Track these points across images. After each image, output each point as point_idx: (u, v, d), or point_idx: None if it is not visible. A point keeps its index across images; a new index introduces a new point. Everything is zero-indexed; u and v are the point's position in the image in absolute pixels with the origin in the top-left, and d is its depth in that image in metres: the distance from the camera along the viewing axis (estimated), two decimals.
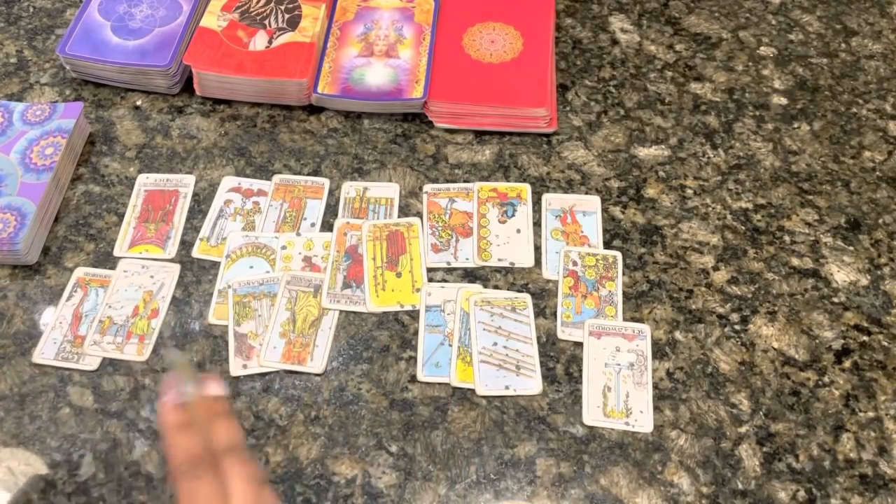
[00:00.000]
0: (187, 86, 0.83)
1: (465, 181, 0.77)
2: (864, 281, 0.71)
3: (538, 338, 0.67)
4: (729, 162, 0.79)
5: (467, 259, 0.72)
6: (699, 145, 0.80)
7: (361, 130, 0.81)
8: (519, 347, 0.66)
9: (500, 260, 0.72)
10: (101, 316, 0.68)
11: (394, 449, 0.62)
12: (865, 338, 0.68)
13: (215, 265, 0.71)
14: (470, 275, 0.71)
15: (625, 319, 0.68)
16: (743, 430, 0.63)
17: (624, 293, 0.70)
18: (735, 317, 0.69)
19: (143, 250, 0.72)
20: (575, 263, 0.71)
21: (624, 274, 0.71)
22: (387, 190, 0.76)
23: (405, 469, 0.61)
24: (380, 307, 0.68)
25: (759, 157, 0.79)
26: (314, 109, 0.82)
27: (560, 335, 0.67)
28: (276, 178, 0.76)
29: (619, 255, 0.71)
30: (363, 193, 0.75)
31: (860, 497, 0.60)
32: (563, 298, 0.69)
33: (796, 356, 0.67)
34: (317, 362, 0.65)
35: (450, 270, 0.71)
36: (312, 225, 0.73)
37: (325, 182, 0.76)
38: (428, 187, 0.76)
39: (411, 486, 0.60)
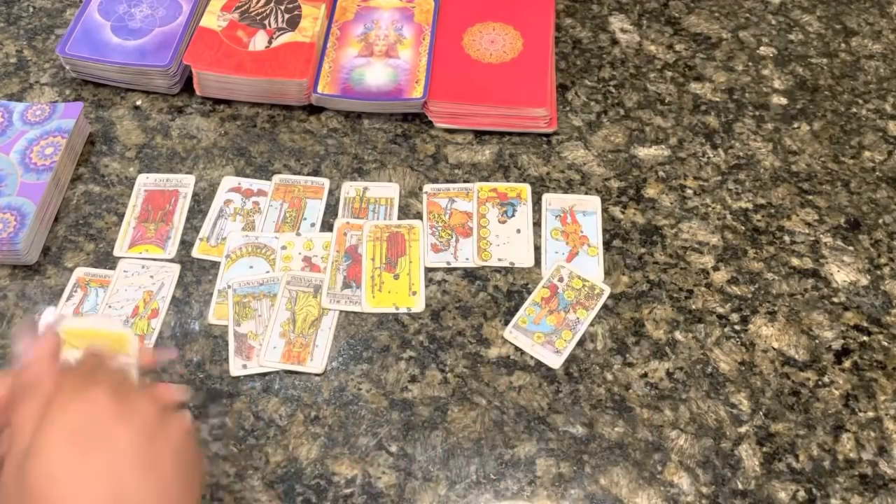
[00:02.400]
0: (187, 86, 0.83)
1: (464, 181, 0.77)
2: (864, 281, 0.71)
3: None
4: (729, 162, 0.79)
5: (467, 259, 0.72)
6: (699, 145, 0.80)
7: (361, 130, 0.81)
8: None
9: (500, 260, 0.72)
10: None
11: (394, 449, 0.62)
12: (865, 338, 0.68)
13: (215, 265, 0.71)
14: (470, 275, 0.71)
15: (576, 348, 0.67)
16: (743, 430, 0.63)
17: (623, 293, 0.70)
18: (735, 317, 0.69)
19: (143, 250, 0.72)
20: (561, 280, 0.70)
21: (624, 274, 0.71)
22: (387, 190, 0.76)
23: (405, 469, 0.61)
24: (375, 308, 0.68)
25: (758, 157, 0.79)
26: (314, 109, 0.82)
27: (506, 335, 0.67)
28: (276, 178, 0.76)
29: (608, 290, 0.69)
30: (363, 193, 0.75)
31: (860, 497, 0.60)
32: (530, 304, 0.69)
33: (796, 356, 0.67)
34: (316, 362, 0.65)
35: (450, 270, 0.71)
36: (312, 225, 0.73)
37: (325, 182, 0.76)
38: (428, 187, 0.76)
39: (411, 486, 0.60)
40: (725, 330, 0.68)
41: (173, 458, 0.42)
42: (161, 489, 0.41)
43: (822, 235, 0.74)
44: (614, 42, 0.89)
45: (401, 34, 0.85)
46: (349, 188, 0.76)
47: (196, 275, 0.71)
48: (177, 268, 0.71)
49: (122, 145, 0.79)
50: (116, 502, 0.40)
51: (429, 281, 0.70)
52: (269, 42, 0.82)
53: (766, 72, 0.86)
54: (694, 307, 0.69)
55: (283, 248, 0.72)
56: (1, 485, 0.41)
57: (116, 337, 0.54)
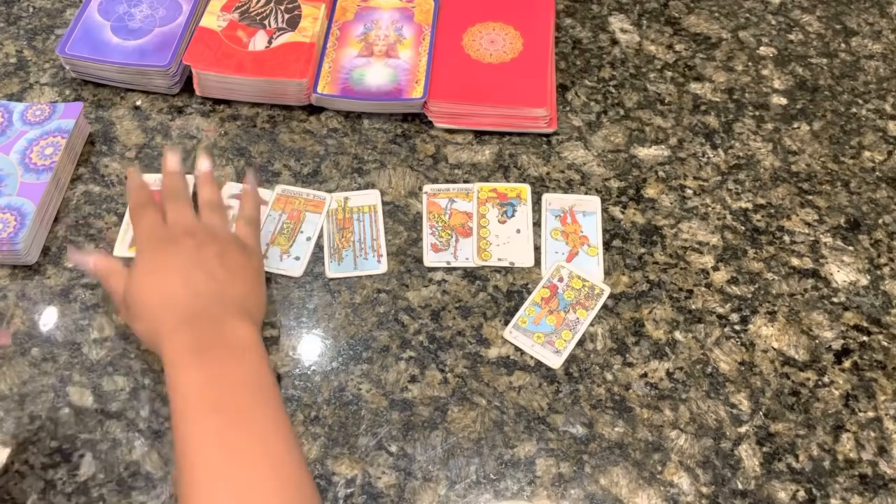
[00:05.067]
0: (187, 86, 0.83)
1: (464, 181, 0.77)
2: (864, 281, 0.71)
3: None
4: (729, 162, 0.79)
5: (467, 259, 0.72)
6: (699, 145, 0.80)
7: (361, 130, 0.81)
8: None
9: (499, 260, 0.72)
10: None
11: (394, 449, 0.62)
12: (865, 338, 0.68)
13: None
14: (470, 275, 0.71)
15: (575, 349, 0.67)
16: (743, 430, 0.63)
17: (623, 293, 0.70)
18: (735, 317, 0.69)
19: None
20: (561, 280, 0.70)
21: (624, 274, 0.71)
22: (368, 197, 0.75)
23: (405, 469, 0.61)
24: None
25: (758, 157, 0.79)
26: (314, 109, 0.82)
27: (506, 335, 0.67)
28: (279, 188, 0.76)
29: (607, 290, 0.70)
30: (345, 204, 0.75)
31: (860, 497, 0.60)
32: (530, 304, 0.69)
33: (796, 356, 0.67)
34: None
35: (450, 270, 0.71)
36: (308, 239, 0.73)
37: (327, 196, 0.75)
38: (428, 188, 0.76)
39: (411, 486, 0.60)
40: (725, 330, 0.68)
41: (218, 258, 0.62)
42: (210, 277, 0.60)
43: (821, 235, 0.74)
44: (614, 42, 0.89)
45: (401, 34, 0.85)
46: (331, 200, 0.75)
47: None
48: None
49: (122, 145, 0.79)
50: (187, 289, 0.60)
51: (429, 281, 0.70)
52: (269, 42, 0.82)
53: (766, 72, 0.86)
54: (694, 307, 0.69)
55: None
56: (123, 302, 0.62)
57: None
